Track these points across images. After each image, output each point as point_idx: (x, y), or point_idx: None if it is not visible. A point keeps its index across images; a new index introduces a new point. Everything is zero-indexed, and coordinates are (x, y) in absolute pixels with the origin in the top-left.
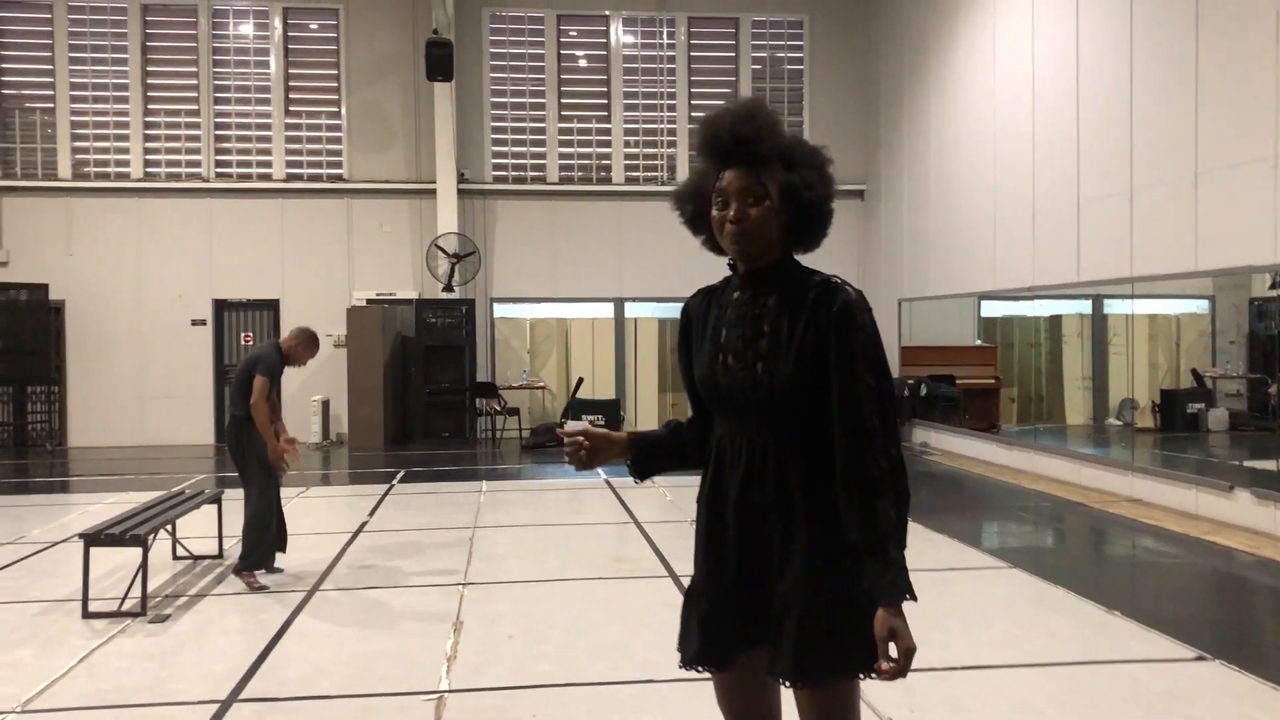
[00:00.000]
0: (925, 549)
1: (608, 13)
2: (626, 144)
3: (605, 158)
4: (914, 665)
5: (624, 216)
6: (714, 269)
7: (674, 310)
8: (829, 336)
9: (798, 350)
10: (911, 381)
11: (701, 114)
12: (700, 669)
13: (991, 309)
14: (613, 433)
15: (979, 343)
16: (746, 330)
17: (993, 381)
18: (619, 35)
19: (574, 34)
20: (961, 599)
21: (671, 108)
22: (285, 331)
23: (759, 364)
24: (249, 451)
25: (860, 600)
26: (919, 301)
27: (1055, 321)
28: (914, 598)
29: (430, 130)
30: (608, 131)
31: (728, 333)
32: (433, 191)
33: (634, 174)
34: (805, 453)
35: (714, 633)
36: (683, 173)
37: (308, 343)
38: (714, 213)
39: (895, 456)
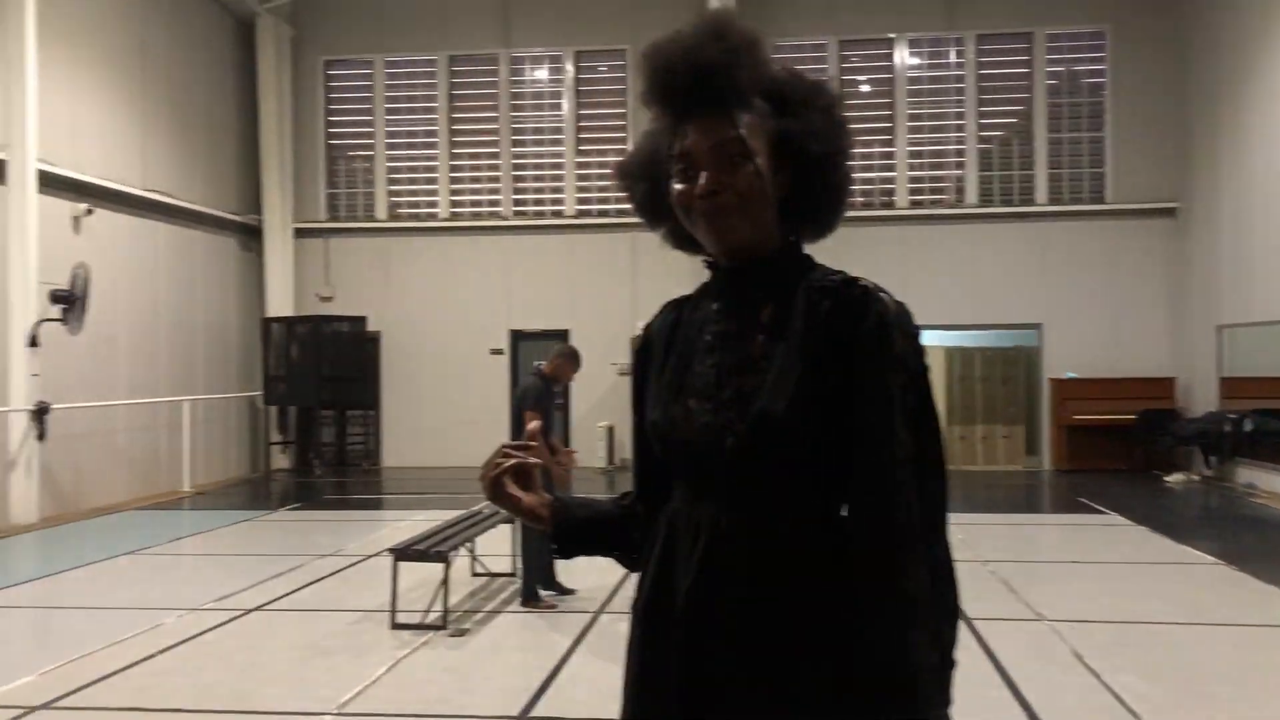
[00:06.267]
0: (1254, 603)
1: (892, 35)
2: (910, 166)
3: (889, 180)
4: None
5: (908, 237)
6: (1004, 286)
7: (957, 339)
8: (854, 368)
9: (797, 384)
10: (1234, 416)
11: (994, 133)
12: None
13: None
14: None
15: None
16: (725, 357)
17: None
18: (904, 58)
19: (856, 59)
20: None
21: (960, 129)
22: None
23: (737, 406)
24: None
25: None
26: (1241, 328)
27: None
28: None
29: None
30: (891, 155)
31: (697, 363)
32: None
33: (918, 197)
34: (791, 542)
35: None
36: (972, 196)
37: (569, 359)
38: (676, 187)
39: (942, 561)
